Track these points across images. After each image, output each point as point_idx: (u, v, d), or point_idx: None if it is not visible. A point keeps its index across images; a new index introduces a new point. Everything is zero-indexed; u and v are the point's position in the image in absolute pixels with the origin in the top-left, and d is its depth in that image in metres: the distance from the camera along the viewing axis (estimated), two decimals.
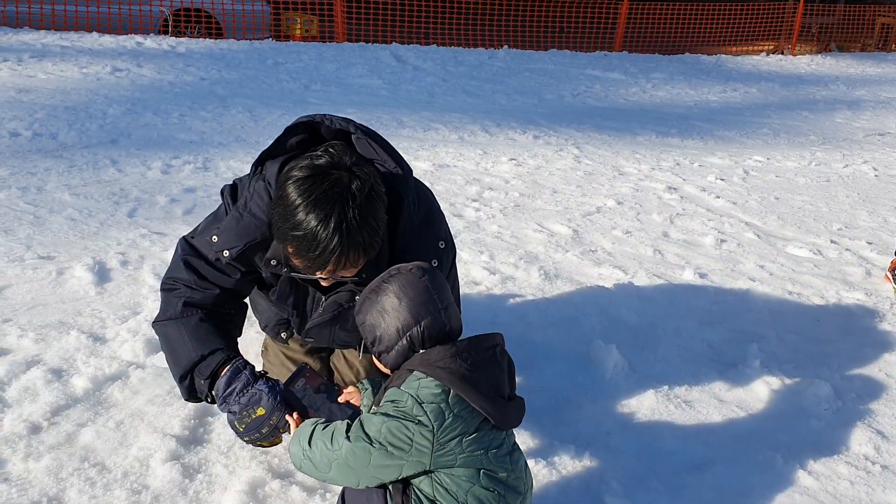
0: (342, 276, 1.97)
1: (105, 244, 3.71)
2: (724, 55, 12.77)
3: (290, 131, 2.12)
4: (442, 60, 9.86)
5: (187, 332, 2.14)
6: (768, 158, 6.53)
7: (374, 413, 1.72)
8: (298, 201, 1.85)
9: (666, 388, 2.88)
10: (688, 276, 3.92)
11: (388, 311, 1.76)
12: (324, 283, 2.05)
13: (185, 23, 10.17)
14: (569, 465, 2.39)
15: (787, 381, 2.97)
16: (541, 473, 2.32)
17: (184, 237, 2.25)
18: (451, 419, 1.66)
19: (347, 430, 1.72)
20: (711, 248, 4.36)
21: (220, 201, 2.26)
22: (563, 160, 5.82)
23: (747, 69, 11.75)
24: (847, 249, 4.49)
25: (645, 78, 10.13)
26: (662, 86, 9.76)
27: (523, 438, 2.46)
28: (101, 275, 3.37)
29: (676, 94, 9.39)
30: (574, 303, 3.54)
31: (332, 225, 1.82)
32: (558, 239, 4.29)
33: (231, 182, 2.27)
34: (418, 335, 1.74)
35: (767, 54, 13.31)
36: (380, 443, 1.66)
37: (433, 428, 1.65)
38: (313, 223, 1.83)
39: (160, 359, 2.77)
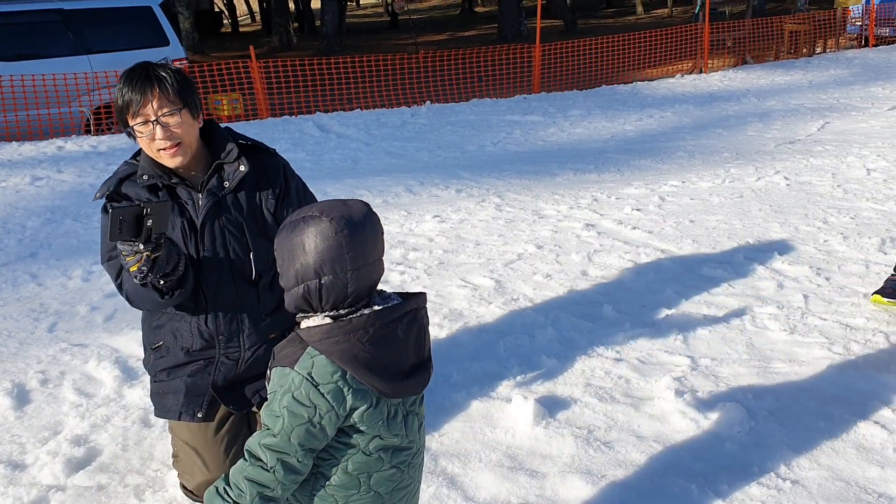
0: (166, 121, 2.35)
1: (25, 364, 3.69)
2: (640, 82, 13.18)
3: None
4: (365, 124, 10.03)
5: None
6: (683, 182, 6.74)
7: (266, 414, 1.64)
8: (120, 80, 2.39)
9: (585, 431, 2.96)
10: (606, 312, 4.02)
11: (293, 252, 1.66)
12: (162, 141, 2.37)
13: (107, 119, 10.18)
14: None
15: (702, 408, 3.06)
16: None
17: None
18: (350, 397, 1.61)
19: (253, 457, 1.63)
20: (629, 281, 4.49)
21: None
22: (484, 211, 5.94)
23: (662, 93, 12.15)
24: (760, 264, 4.65)
25: (563, 116, 10.42)
26: (580, 122, 10.04)
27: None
28: (21, 397, 3.35)
29: (594, 129, 9.67)
30: (497, 356, 3.62)
31: (141, 68, 2.38)
32: (481, 292, 4.38)
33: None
34: (316, 290, 1.64)
35: (683, 75, 13.77)
36: (291, 444, 1.61)
37: (334, 408, 1.60)
38: (127, 76, 2.37)
39: (82, 477, 2.78)
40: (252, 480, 1.62)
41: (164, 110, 2.36)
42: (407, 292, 1.75)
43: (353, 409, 1.63)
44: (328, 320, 1.64)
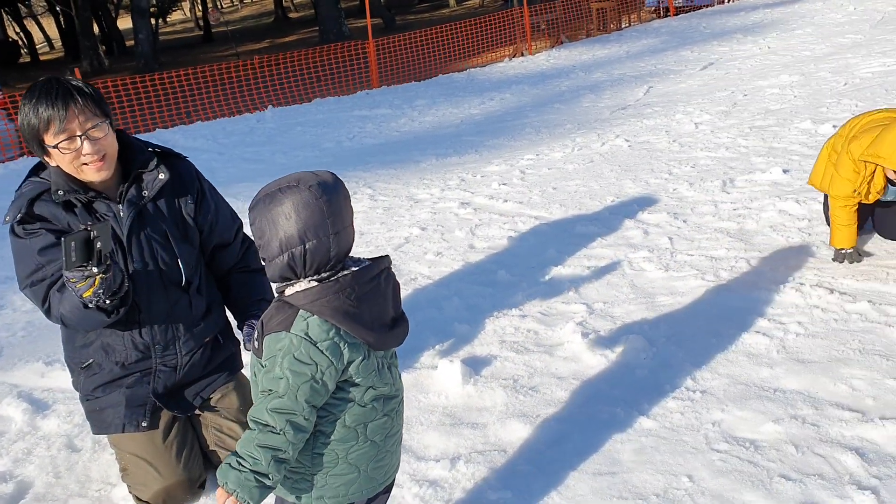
0: (94, 134, 2.32)
1: None
2: (472, 69, 13.67)
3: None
4: (212, 134, 9.82)
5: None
6: (537, 155, 7.15)
7: (267, 380, 1.72)
8: (27, 99, 2.32)
9: (511, 381, 3.18)
10: (501, 277, 4.28)
11: (275, 222, 1.71)
12: (90, 156, 2.33)
13: None
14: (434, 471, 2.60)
15: (607, 344, 3.37)
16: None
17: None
18: (346, 351, 1.71)
19: (262, 422, 1.71)
20: (514, 247, 4.77)
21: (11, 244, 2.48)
22: (360, 202, 6.06)
23: (497, 77, 12.67)
24: (624, 217, 5.07)
25: (410, 107, 10.66)
26: (428, 111, 10.32)
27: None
28: None
29: (442, 116, 9.98)
30: (412, 332, 3.76)
31: (54, 82, 2.32)
32: None
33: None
34: (300, 256, 1.70)
35: (510, 59, 14.40)
36: (298, 403, 1.69)
37: (333, 363, 1.69)
38: (38, 93, 2.30)
39: None
40: (264, 446, 1.70)
41: (90, 124, 2.32)
42: (375, 257, 1.88)
43: (349, 362, 1.74)
44: (314, 283, 1.73)
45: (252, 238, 1.87)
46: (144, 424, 2.57)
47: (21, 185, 2.50)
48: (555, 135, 8.04)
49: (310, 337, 1.70)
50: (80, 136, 2.31)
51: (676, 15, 17.21)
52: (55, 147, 2.31)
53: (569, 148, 7.27)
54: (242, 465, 1.71)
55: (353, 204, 1.83)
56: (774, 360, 3.11)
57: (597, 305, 3.80)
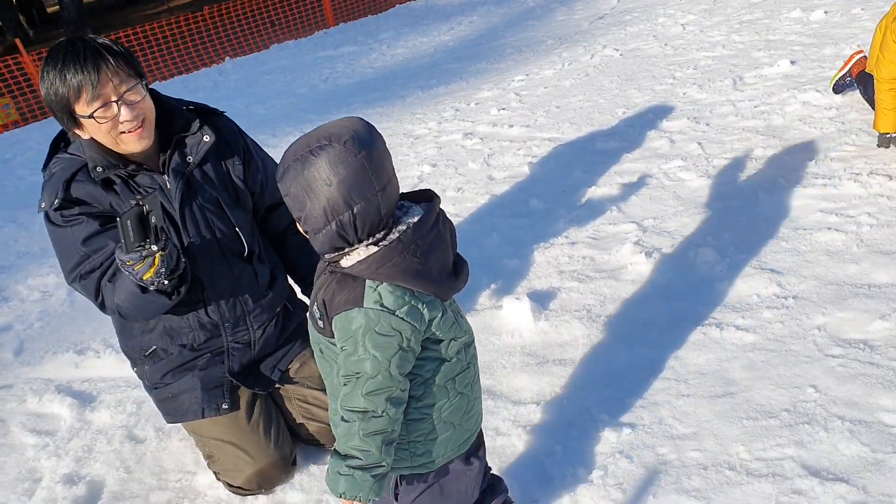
0: (131, 98, 2.05)
1: None
2: None
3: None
4: (175, 91, 9.31)
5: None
6: (528, 75, 6.88)
7: (350, 363, 1.56)
8: (50, 66, 2.03)
9: (584, 312, 3.01)
10: (535, 206, 4.08)
11: (314, 189, 1.50)
12: (130, 122, 2.06)
13: None
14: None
15: (675, 262, 3.21)
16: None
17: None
18: (426, 311, 1.57)
19: (352, 402, 1.56)
20: (537, 173, 4.56)
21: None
22: None
23: (457, 2, 12.21)
24: (644, 128, 4.87)
25: (376, 41, 10.23)
26: (396, 43, 9.90)
27: None
28: None
29: (413, 47, 9.58)
30: None
31: (79, 42, 2.02)
32: None
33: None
34: (350, 222, 1.51)
35: None
36: (392, 377, 1.56)
37: (416, 327, 1.56)
38: (63, 56, 2.01)
39: None
40: (371, 433, 1.56)
41: (125, 87, 2.04)
42: (415, 191, 1.67)
43: (430, 321, 1.59)
44: (374, 248, 1.54)
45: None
46: (225, 407, 2.37)
47: (48, 164, 2.22)
48: (538, 52, 7.75)
49: (387, 307, 1.53)
50: (115, 102, 2.03)
51: None
52: (90, 117, 2.03)
53: (558, 64, 7.01)
54: (353, 465, 1.56)
55: None
56: (857, 255, 2.98)
57: (647, 222, 3.63)
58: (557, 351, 2.82)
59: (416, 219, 1.57)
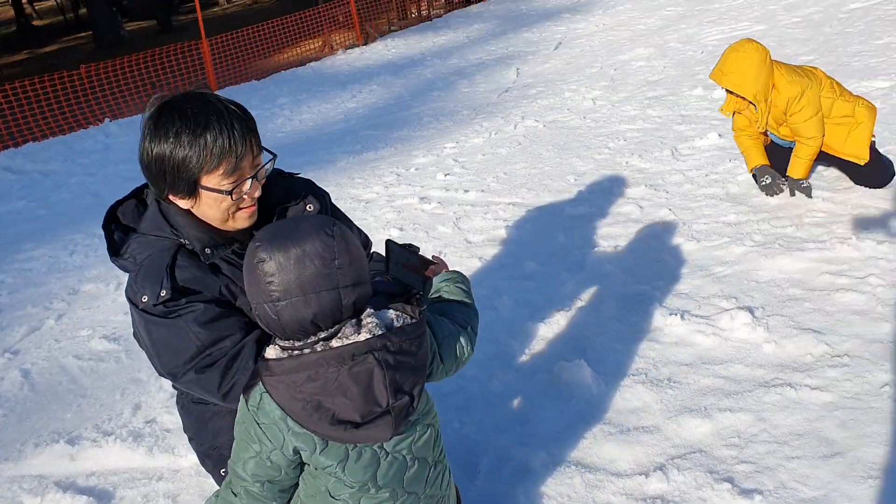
0: (262, 174, 1.85)
1: None
2: (312, 63, 13.09)
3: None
4: (65, 154, 8.59)
5: None
6: (458, 142, 6.92)
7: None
8: (178, 123, 1.75)
9: (643, 376, 2.96)
10: (532, 268, 4.02)
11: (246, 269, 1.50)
12: (252, 199, 1.86)
13: None
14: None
15: (712, 323, 3.25)
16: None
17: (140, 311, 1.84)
18: (291, 439, 1.49)
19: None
20: (518, 237, 4.52)
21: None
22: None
23: (348, 70, 12.22)
24: (603, 193, 4.98)
25: (274, 106, 9.97)
26: (299, 109, 9.70)
27: None
28: None
29: (320, 112, 9.42)
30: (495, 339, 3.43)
31: (219, 104, 1.77)
32: None
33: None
34: (258, 318, 1.49)
35: (345, 50, 13.94)
36: (247, 474, 1.56)
37: (277, 447, 1.50)
38: (199, 116, 1.73)
39: None
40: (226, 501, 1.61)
41: (259, 160, 1.82)
42: (406, 307, 1.55)
43: (297, 451, 1.52)
44: (279, 352, 1.49)
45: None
46: None
47: (122, 249, 1.88)
48: (457, 121, 7.83)
49: (257, 414, 1.50)
50: (252, 178, 1.80)
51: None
52: (218, 191, 1.77)
53: (484, 133, 7.10)
54: None
55: None
56: (884, 314, 3.13)
57: (659, 283, 3.66)
58: (633, 418, 2.74)
59: (340, 344, 1.44)
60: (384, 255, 1.80)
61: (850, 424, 2.53)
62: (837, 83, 4.17)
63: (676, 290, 3.60)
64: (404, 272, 1.75)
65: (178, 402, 2.20)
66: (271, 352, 1.49)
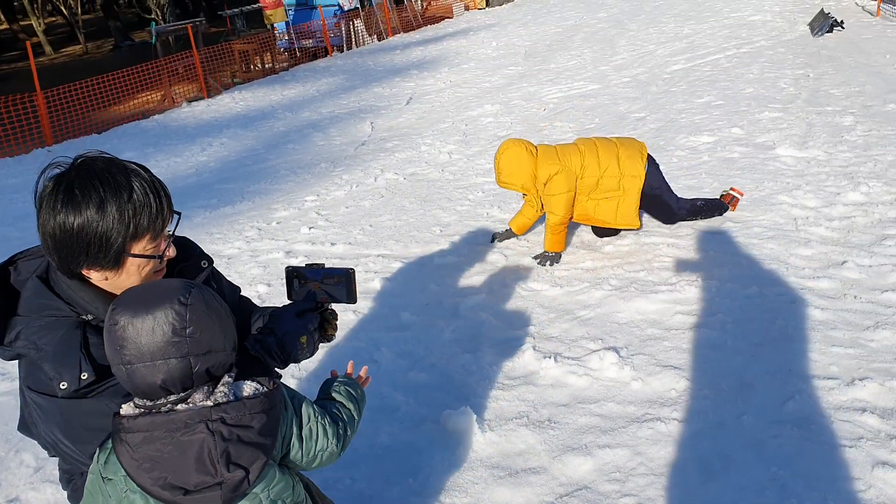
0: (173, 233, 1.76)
1: None
2: (156, 116, 12.70)
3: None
4: None
5: None
6: (318, 195, 6.91)
7: None
8: (107, 194, 1.59)
9: (524, 419, 3.08)
10: (409, 319, 4.09)
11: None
12: (171, 253, 1.75)
13: None
14: None
15: (592, 367, 3.43)
16: None
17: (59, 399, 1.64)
18: (130, 495, 1.49)
19: None
20: (391, 289, 4.58)
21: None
22: None
23: (194, 122, 11.92)
24: (468, 244, 5.15)
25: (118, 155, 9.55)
26: (146, 162, 9.25)
27: None
28: None
29: (170, 167, 9.12)
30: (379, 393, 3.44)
31: (139, 169, 1.65)
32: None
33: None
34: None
35: (189, 102, 13.63)
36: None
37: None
38: (124, 185, 1.60)
39: None
40: None
41: (170, 219, 1.75)
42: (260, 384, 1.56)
43: None
44: (130, 410, 1.52)
45: None
46: None
47: (18, 331, 1.67)
48: (316, 174, 7.83)
49: (103, 467, 1.52)
50: (168, 237, 1.74)
51: (324, 56, 17.68)
52: (142, 256, 1.68)
53: (344, 186, 7.15)
54: None
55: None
56: (735, 347, 3.44)
57: (531, 329, 3.84)
58: (520, 460, 2.85)
59: (181, 408, 1.47)
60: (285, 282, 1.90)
61: (719, 451, 2.75)
62: (612, 155, 4.53)
63: (547, 333, 3.78)
64: (302, 295, 1.90)
65: (63, 480, 2.05)
66: (126, 409, 1.51)
